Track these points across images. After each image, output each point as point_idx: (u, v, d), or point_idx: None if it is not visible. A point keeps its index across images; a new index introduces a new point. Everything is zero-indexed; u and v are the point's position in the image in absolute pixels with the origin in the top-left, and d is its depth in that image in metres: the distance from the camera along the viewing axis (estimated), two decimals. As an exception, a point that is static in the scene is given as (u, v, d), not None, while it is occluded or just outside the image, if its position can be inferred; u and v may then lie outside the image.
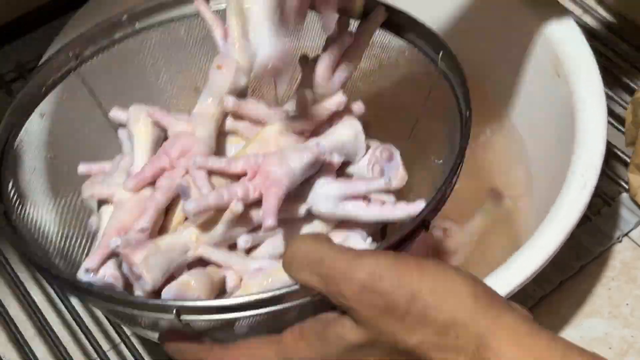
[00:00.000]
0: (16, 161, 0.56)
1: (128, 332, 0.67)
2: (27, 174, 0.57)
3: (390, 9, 0.58)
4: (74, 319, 0.68)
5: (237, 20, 0.57)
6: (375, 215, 0.52)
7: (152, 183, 0.53)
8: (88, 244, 0.56)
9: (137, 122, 0.55)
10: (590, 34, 0.79)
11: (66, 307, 0.69)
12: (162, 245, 0.49)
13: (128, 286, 0.51)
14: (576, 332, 0.66)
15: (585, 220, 0.71)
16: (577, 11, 0.84)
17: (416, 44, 0.58)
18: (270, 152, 0.52)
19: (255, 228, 0.52)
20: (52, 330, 0.68)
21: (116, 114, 0.58)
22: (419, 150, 0.60)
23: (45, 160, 0.59)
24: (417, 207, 0.50)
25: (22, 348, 0.68)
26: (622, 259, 0.69)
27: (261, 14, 0.50)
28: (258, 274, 0.50)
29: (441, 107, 0.57)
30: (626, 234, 0.71)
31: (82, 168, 0.57)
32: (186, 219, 0.52)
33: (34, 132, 0.58)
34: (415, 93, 0.61)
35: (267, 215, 0.49)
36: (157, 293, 0.50)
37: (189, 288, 0.49)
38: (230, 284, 0.50)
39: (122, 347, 0.70)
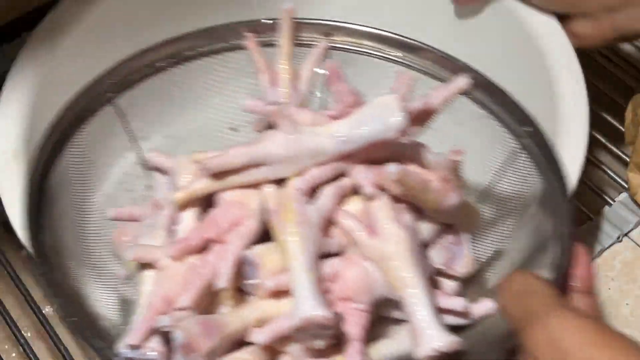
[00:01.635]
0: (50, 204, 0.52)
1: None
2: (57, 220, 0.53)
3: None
4: (75, 319, 0.68)
5: (289, 65, 0.55)
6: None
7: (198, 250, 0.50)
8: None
9: (183, 177, 0.53)
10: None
11: (66, 307, 0.69)
12: (226, 335, 0.48)
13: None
14: (576, 331, 0.66)
15: (586, 219, 0.71)
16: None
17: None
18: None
19: None
20: (53, 329, 0.68)
21: (155, 158, 0.57)
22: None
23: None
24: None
25: (23, 348, 0.68)
26: (622, 259, 0.69)
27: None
28: None
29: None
30: (626, 234, 0.71)
31: (112, 212, 0.57)
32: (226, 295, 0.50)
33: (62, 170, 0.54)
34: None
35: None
36: None
37: None
38: None
39: (123, 346, 0.70)
